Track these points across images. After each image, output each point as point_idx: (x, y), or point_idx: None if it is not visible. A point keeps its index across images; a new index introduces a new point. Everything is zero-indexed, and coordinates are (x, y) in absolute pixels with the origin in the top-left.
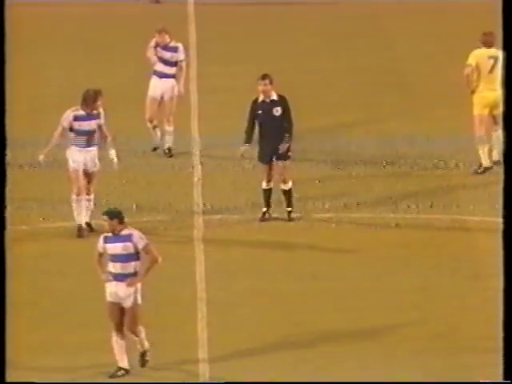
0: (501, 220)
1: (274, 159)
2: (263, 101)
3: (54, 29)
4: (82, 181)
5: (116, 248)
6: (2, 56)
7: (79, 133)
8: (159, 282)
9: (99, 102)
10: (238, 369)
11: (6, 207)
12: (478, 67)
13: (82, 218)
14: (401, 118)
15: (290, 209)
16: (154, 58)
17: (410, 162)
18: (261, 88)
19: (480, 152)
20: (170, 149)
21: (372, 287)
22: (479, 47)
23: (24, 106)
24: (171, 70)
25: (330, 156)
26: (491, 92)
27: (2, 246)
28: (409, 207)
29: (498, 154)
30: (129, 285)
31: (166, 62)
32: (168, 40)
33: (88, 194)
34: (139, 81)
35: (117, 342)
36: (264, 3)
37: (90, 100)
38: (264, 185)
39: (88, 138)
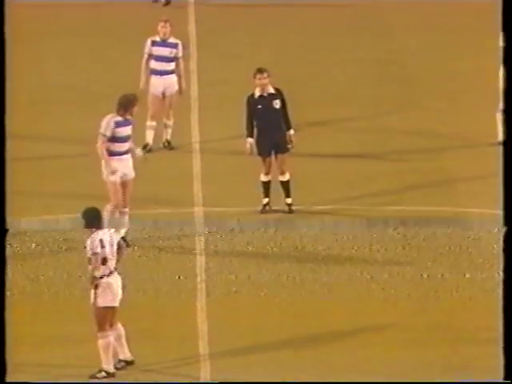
0: (500, 212)
1: (273, 152)
2: (261, 95)
3: (55, 21)
4: (121, 193)
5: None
6: (2, 48)
7: (120, 140)
8: (159, 274)
9: (136, 107)
10: (239, 362)
11: (5, 199)
12: None
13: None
14: (401, 110)
15: (289, 200)
16: (143, 82)
17: (411, 154)
18: (259, 82)
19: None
20: (169, 141)
21: (372, 278)
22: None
23: (24, 99)
24: (170, 66)
25: (331, 148)
26: None
27: (3, 239)
28: (409, 199)
29: None
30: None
31: (164, 59)
32: (168, 34)
33: (124, 206)
34: (139, 75)
35: (106, 341)
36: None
37: (129, 105)
38: (263, 177)
39: (127, 144)
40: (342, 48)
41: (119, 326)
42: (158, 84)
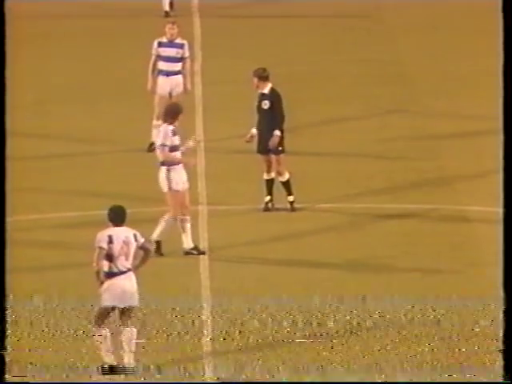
0: (501, 210)
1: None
2: (260, 93)
3: (60, 21)
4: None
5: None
6: (3, 49)
7: (175, 149)
8: (163, 271)
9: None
10: (242, 359)
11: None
12: None
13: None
14: (401, 109)
15: (291, 198)
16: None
17: (411, 152)
18: (255, 83)
19: None
20: None
21: (372, 275)
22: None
23: (30, 97)
24: (177, 67)
25: (331, 148)
26: None
27: (3, 235)
28: (409, 197)
29: None
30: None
31: (171, 59)
32: (175, 35)
33: (185, 214)
34: (143, 75)
35: (105, 336)
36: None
37: (177, 113)
38: (265, 175)
39: (179, 153)
40: (342, 48)
41: (129, 329)
42: (164, 84)
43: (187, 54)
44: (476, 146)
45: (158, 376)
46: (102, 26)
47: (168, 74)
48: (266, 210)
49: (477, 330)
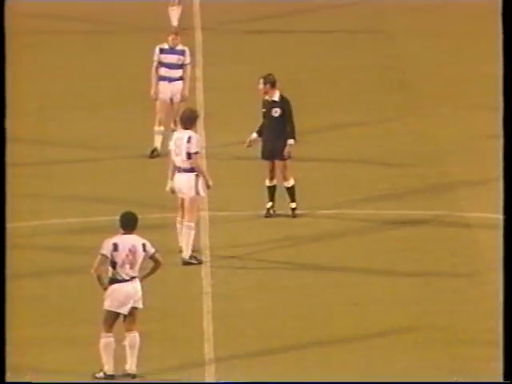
0: (501, 216)
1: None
2: (267, 100)
3: (62, 26)
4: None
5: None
6: (3, 54)
7: (187, 156)
8: (165, 277)
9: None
10: (244, 364)
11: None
12: None
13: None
14: (403, 115)
15: (294, 205)
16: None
17: (413, 158)
18: (259, 88)
19: None
20: None
21: (374, 281)
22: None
23: (33, 104)
24: (178, 73)
25: (334, 154)
26: None
27: (3, 241)
28: (411, 203)
29: None
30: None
31: (172, 66)
32: (178, 41)
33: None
34: (144, 81)
35: (106, 344)
36: (268, 4)
37: (196, 119)
38: (267, 182)
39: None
40: (344, 54)
41: (133, 335)
42: (166, 90)
43: (188, 61)
44: (479, 152)
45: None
46: (103, 32)
47: (169, 79)
48: (268, 216)
49: (478, 332)
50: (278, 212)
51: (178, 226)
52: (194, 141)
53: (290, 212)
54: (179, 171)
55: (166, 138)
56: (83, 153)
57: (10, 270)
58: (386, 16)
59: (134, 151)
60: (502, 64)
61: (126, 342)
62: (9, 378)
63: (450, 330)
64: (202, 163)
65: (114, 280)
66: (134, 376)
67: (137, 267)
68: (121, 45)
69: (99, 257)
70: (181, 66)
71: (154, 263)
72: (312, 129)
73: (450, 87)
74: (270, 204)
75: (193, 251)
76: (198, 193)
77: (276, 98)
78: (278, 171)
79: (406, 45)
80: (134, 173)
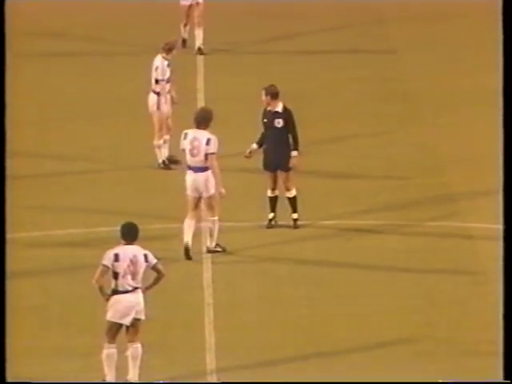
0: (501, 227)
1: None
2: (269, 110)
3: (64, 36)
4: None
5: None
6: (3, 64)
7: (205, 157)
8: (167, 288)
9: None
10: (245, 374)
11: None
12: None
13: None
14: (404, 126)
15: (295, 216)
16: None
17: (414, 169)
18: (264, 100)
19: None
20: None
21: (375, 292)
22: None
23: (34, 116)
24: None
25: (335, 165)
26: None
27: (3, 250)
28: (412, 214)
29: None
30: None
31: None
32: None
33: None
34: (145, 93)
35: (109, 354)
36: (270, 15)
37: (209, 120)
38: (269, 192)
39: None
40: (344, 65)
41: (135, 346)
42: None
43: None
44: (480, 162)
45: None
46: (107, 40)
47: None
48: (270, 226)
49: (479, 346)
50: (279, 223)
51: (188, 221)
52: (212, 142)
53: (291, 222)
54: (195, 171)
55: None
56: (83, 164)
57: (10, 280)
58: (388, 24)
59: (135, 162)
60: (502, 75)
61: (129, 353)
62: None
63: (451, 341)
64: (217, 164)
65: (115, 291)
66: None
67: (139, 278)
68: (123, 56)
69: (100, 267)
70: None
71: (157, 274)
72: (313, 140)
73: (450, 98)
74: (272, 215)
75: (217, 245)
76: (214, 191)
77: (279, 108)
78: (280, 182)
79: (406, 55)
80: (135, 183)
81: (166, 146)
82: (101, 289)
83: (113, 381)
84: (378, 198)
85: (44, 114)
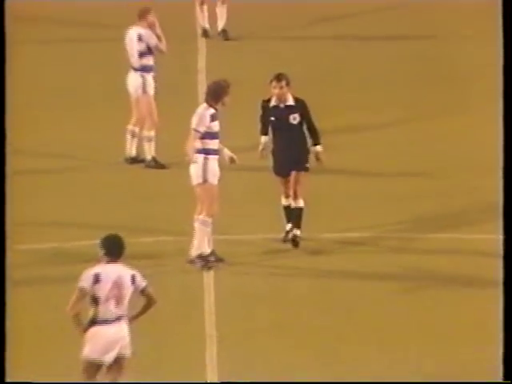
0: (501, 237)
1: (292, 172)
2: (277, 106)
3: (59, 37)
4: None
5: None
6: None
7: (215, 136)
8: (159, 316)
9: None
10: None
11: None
12: None
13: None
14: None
15: (297, 232)
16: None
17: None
18: (276, 91)
19: None
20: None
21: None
22: None
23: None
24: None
25: (352, 162)
26: None
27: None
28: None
29: None
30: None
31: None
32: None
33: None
34: None
35: None
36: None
37: (223, 93)
38: (284, 201)
39: (218, 141)
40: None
41: None
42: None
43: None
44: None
45: None
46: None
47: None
48: (287, 240)
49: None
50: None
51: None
52: (195, 117)
53: (289, 236)
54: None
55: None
56: (61, 162)
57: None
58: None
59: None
60: None
61: None
62: None
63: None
64: (194, 145)
65: (95, 321)
66: None
67: (124, 304)
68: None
69: (76, 291)
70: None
71: (146, 300)
72: (331, 132)
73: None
74: (290, 226)
75: (207, 254)
76: (205, 180)
77: (291, 101)
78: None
79: (452, 46)
80: (120, 187)
81: (152, 144)
82: (76, 317)
83: None
84: (407, 206)
85: (38, 115)
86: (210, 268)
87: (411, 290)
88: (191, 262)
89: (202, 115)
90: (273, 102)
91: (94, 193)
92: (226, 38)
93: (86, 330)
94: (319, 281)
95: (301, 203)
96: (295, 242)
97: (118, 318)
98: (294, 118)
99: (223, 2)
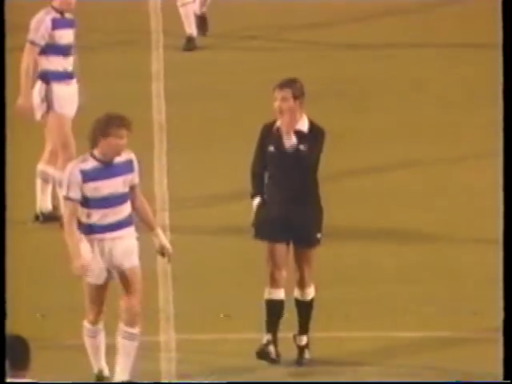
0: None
1: (291, 242)
2: (280, 128)
3: None
4: None
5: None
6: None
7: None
8: None
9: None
10: None
11: None
12: None
13: None
14: None
15: (304, 341)
16: None
17: None
18: (276, 104)
19: None
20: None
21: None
22: None
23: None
24: None
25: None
26: None
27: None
28: None
29: None
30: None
31: None
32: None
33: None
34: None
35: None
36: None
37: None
38: (268, 292)
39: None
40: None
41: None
42: None
43: None
44: None
45: None
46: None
47: None
48: (263, 356)
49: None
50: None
51: None
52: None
53: (296, 353)
54: None
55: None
56: None
57: None
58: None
59: None
60: None
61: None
62: None
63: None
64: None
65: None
66: None
67: None
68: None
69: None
70: None
71: None
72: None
73: None
74: (269, 338)
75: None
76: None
77: (305, 127)
78: (289, 267)
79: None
80: (28, 258)
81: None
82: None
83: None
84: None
85: None
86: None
87: None
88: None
89: (64, 176)
90: (277, 124)
91: None
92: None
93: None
94: None
95: (310, 294)
96: (301, 356)
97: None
98: (306, 157)
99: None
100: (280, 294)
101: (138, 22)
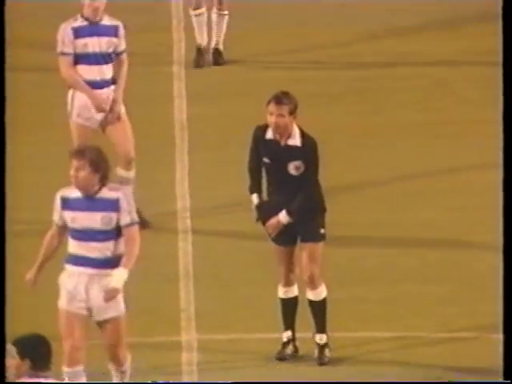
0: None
1: (298, 240)
2: (274, 140)
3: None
4: None
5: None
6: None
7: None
8: None
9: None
10: None
11: None
12: None
13: None
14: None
15: (323, 339)
16: None
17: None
18: (272, 120)
19: None
20: None
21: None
22: None
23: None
24: None
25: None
26: None
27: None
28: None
29: None
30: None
31: None
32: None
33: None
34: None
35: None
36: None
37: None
38: (282, 291)
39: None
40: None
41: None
42: None
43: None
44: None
45: None
46: None
47: None
48: (282, 358)
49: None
50: (301, 346)
51: None
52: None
53: (315, 351)
54: None
55: None
56: None
57: None
58: None
59: None
60: None
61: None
62: None
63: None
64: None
65: None
66: None
67: None
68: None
69: None
70: None
71: None
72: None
73: None
74: (289, 334)
75: None
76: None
77: (297, 140)
78: (298, 265)
79: None
80: None
81: None
82: None
83: None
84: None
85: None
86: None
87: None
88: None
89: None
90: (269, 134)
91: None
92: (218, 62)
93: None
94: None
95: (322, 294)
96: (322, 355)
97: None
98: (297, 168)
99: (220, 9)
100: (293, 290)
101: (159, 23)
